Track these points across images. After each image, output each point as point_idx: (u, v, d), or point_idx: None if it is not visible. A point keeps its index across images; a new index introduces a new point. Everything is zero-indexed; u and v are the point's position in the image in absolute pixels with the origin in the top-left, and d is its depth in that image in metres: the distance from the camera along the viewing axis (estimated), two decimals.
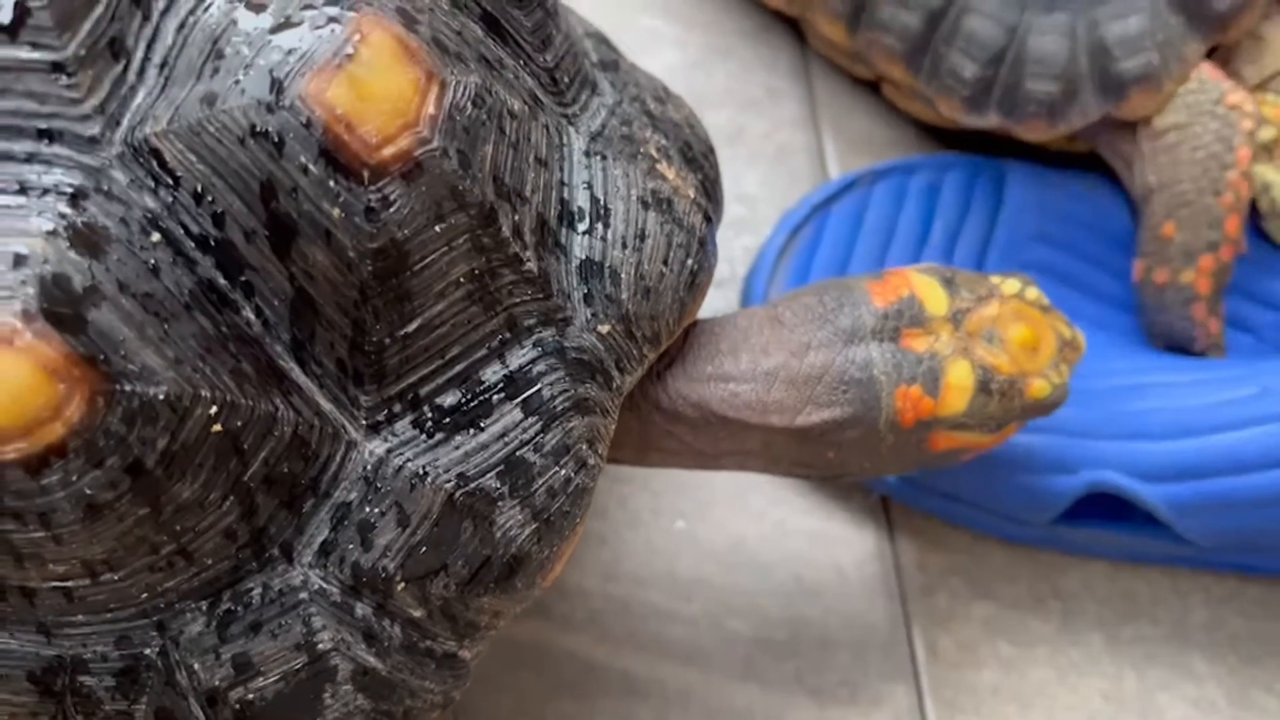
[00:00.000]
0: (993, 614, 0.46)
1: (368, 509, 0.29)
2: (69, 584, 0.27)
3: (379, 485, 0.29)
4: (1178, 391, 0.44)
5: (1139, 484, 0.43)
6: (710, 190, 0.38)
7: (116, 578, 0.27)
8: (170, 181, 0.26)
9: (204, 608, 0.29)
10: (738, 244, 0.54)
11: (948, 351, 0.36)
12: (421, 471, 0.29)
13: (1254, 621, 0.47)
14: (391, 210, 0.26)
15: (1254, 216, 0.49)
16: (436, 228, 0.27)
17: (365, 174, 0.26)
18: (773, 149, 0.57)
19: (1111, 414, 0.44)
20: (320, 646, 0.29)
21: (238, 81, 0.25)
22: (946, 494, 0.46)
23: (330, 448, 0.28)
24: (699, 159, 0.38)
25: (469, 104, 0.28)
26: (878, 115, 0.58)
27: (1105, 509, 0.45)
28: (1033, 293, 0.38)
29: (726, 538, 0.47)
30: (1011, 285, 0.38)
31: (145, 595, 0.28)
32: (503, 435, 0.30)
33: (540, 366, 0.30)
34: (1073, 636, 0.46)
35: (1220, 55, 0.50)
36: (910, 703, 0.45)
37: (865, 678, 0.45)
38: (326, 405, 0.28)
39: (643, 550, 0.46)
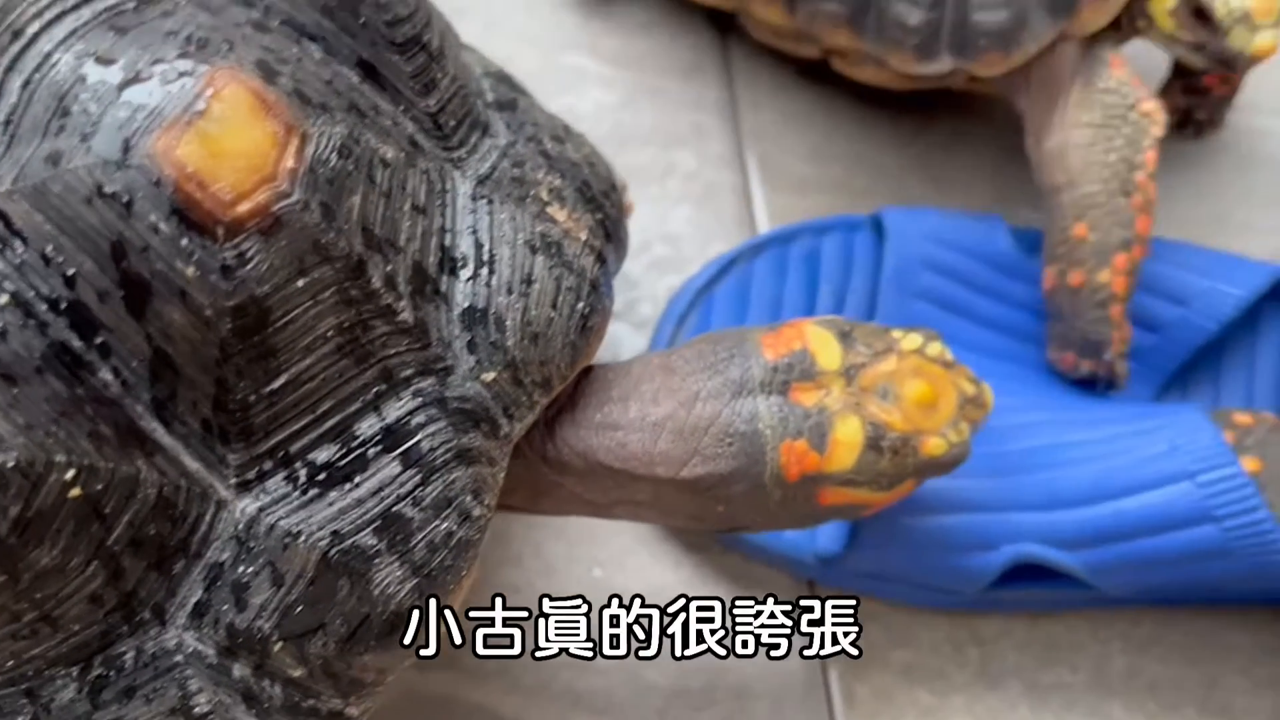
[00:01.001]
0: (911, 661, 0.46)
1: (241, 569, 0.28)
2: None
3: (251, 545, 0.28)
4: (1089, 451, 0.43)
5: (1059, 553, 0.42)
6: (610, 230, 0.37)
7: None
8: (18, 243, 0.25)
9: (74, 674, 0.28)
10: (662, 284, 0.53)
11: (837, 407, 0.35)
12: (294, 530, 0.28)
13: (1172, 668, 0.46)
14: (249, 267, 0.26)
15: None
16: (299, 282, 0.27)
17: (219, 231, 0.25)
18: (699, 188, 0.56)
19: (1026, 484, 0.43)
20: (198, 710, 0.29)
21: (84, 139, 0.25)
22: (871, 574, 0.45)
23: (199, 508, 0.28)
24: (598, 198, 0.37)
25: (333, 155, 0.27)
26: (804, 153, 0.57)
27: (1028, 569, 0.44)
28: (935, 348, 0.37)
29: (644, 585, 0.46)
30: (912, 340, 0.37)
31: (11, 663, 0.27)
32: (379, 490, 0.29)
33: (420, 418, 0.30)
34: (991, 683, 0.46)
35: None
36: None
37: None
38: (193, 465, 0.27)
39: None
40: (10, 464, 0.25)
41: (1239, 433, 0.44)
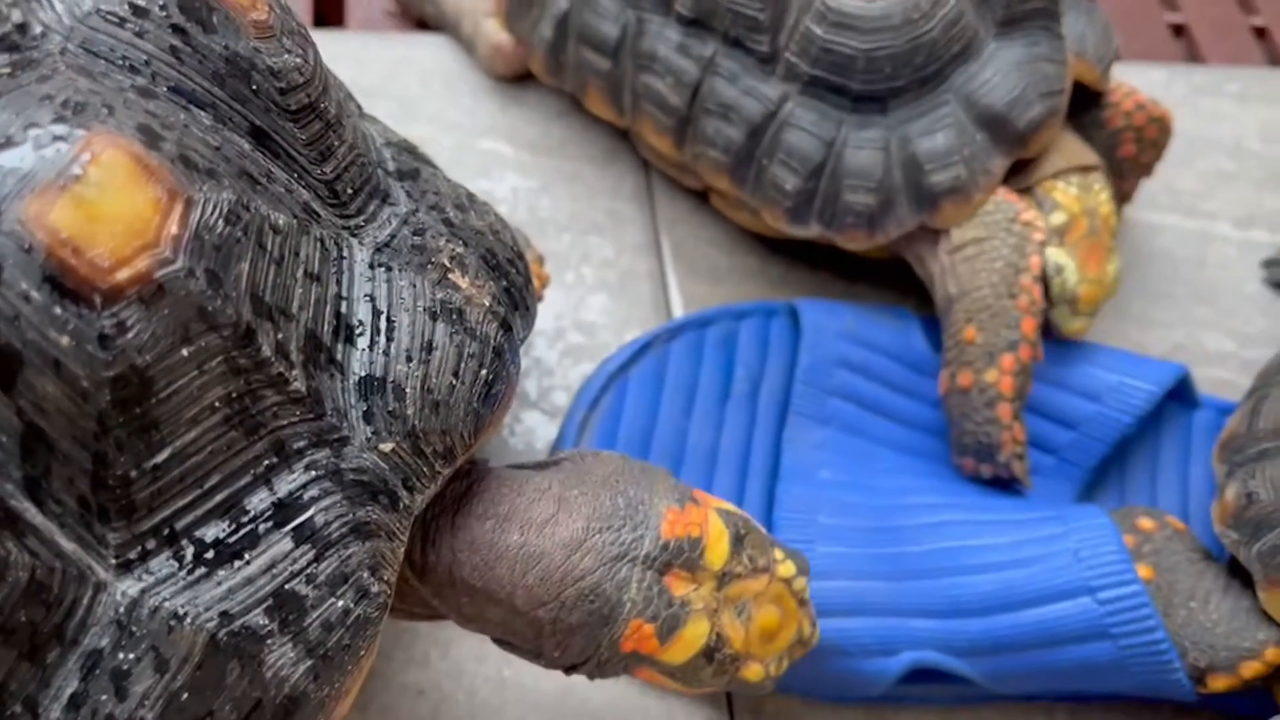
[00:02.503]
0: None
1: (121, 655, 0.27)
2: None
3: (133, 629, 0.27)
4: (993, 557, 0.43)
5: (957, 660, 0.42)
6: (516, 297, 0.37)
7: None
8: None
9: None
10: (576, 371, 0.53)
11: (698, 606, 0.35)
12: (180, 611, 0.27)
13: None
14: (129, 336, 0.25)
15: (1048, 337, 0.50)
16: (184, 351, 0.26)
17: (97, 299, 0.24)
18: (615, 275, 0.56)
19: (929, 589, 0.43)
20: None
21: None
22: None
23: (76, 591, 0.26)
24: (503, 265, 0.37)
25: (220, 221, 0.27)
26: (719, 241, 0.58)
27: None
28: (800, 583, 0.37)
29: (555, 685, 0.45)
30: (787, 568, 0.37)
31: None
32: (270, 567, 0.28)
33: (313, 491, 0.29)
34: None
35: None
36: None
37: None
38: (68, 546, 0.26)
39: (465, 702, 0.44)
40: None
41: (1139, 538, 0.44)
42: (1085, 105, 0.54)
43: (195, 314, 0.26)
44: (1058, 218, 0.50)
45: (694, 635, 0.35)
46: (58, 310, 0.24)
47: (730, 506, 0.38)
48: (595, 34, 0.55)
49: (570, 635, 0.35)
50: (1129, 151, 0.55)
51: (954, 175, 0.49)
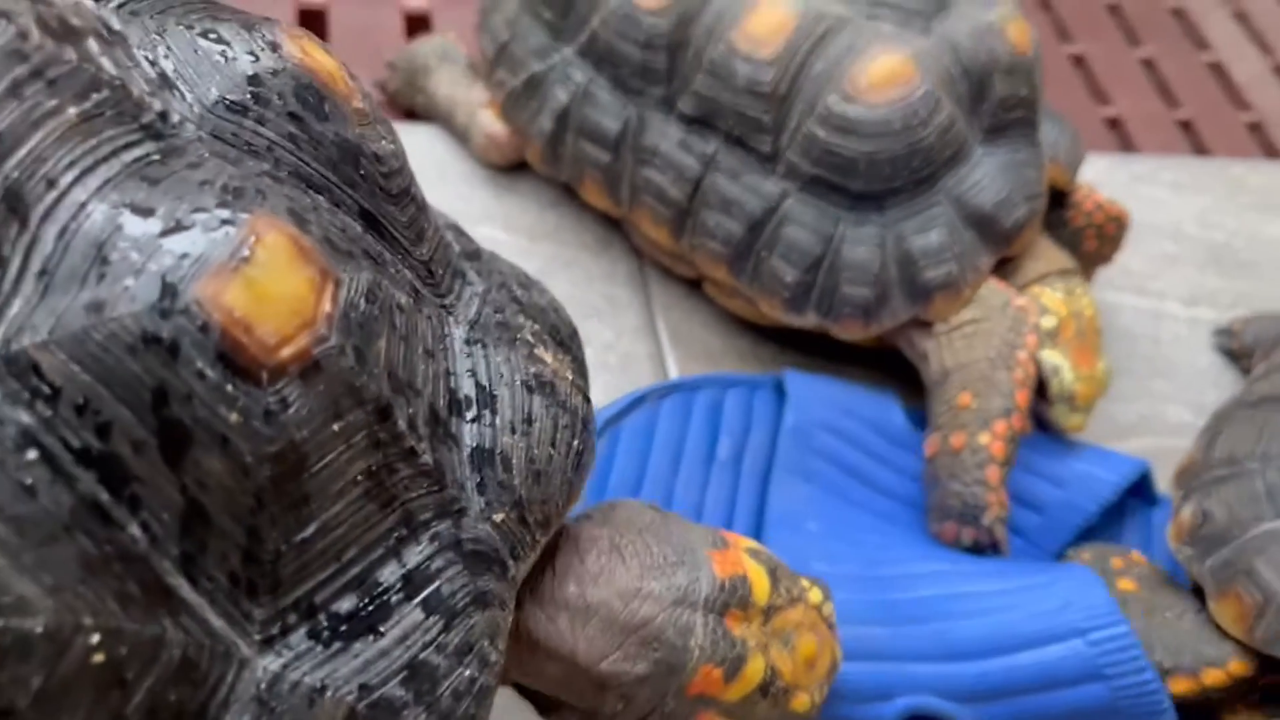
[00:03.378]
0: None
1: None
2: None
3: (274, 705, 0.27)
4: (985, 604, 0.45)
5: (954, 706, 0.44)
6: (582, 371, 0.38)
7: None
8: (49, 393, 0.24)
9: None
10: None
11: (754, 643, 0.36)
12: (320, 685, 0.27)
13: None
14: (290, 411, 0.26)
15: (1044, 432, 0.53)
16: (334, 426, 0.27)
17: (264, 376, 0.25)
18: (615, 358, 0.58)
19: (922, 634, 0.45)
20: None
21: (127, 288, 0.24)
22: None
23: (221, 669, 0.26)
24: (567, 341, 0.38)
25: (362, 300, 0.28)
26: (712, 324, 0.60)
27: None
28: (829, 608, 0.38)
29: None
30: (816, 595, 0.38)
31: None
32: (404, 639, 0.28)
33: (438, 562, 0.29)
34: None
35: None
36: None
37: None
38: (218, 623, 0.26)
39: None
40: (39, 629, 0.23)
41: (1118, 568, 0.47)
42: (1051, 205, 0.59)
43: (345, 390, 0.27)
44: (1048, 321, 0.53)
45: (754, 673, 0.36)
46: (229, 388, 0.25)
47: (753, 543, 0.39)
48: (596, 128, 0.57)
49: (636, 688, 0.35)
50: (1091, 247, 0.60)
51: (946, 271, 0.52)
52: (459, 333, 0.33)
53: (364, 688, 0.27)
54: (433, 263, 0.34)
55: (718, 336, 0.59)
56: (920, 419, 0.55)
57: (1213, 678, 0.44)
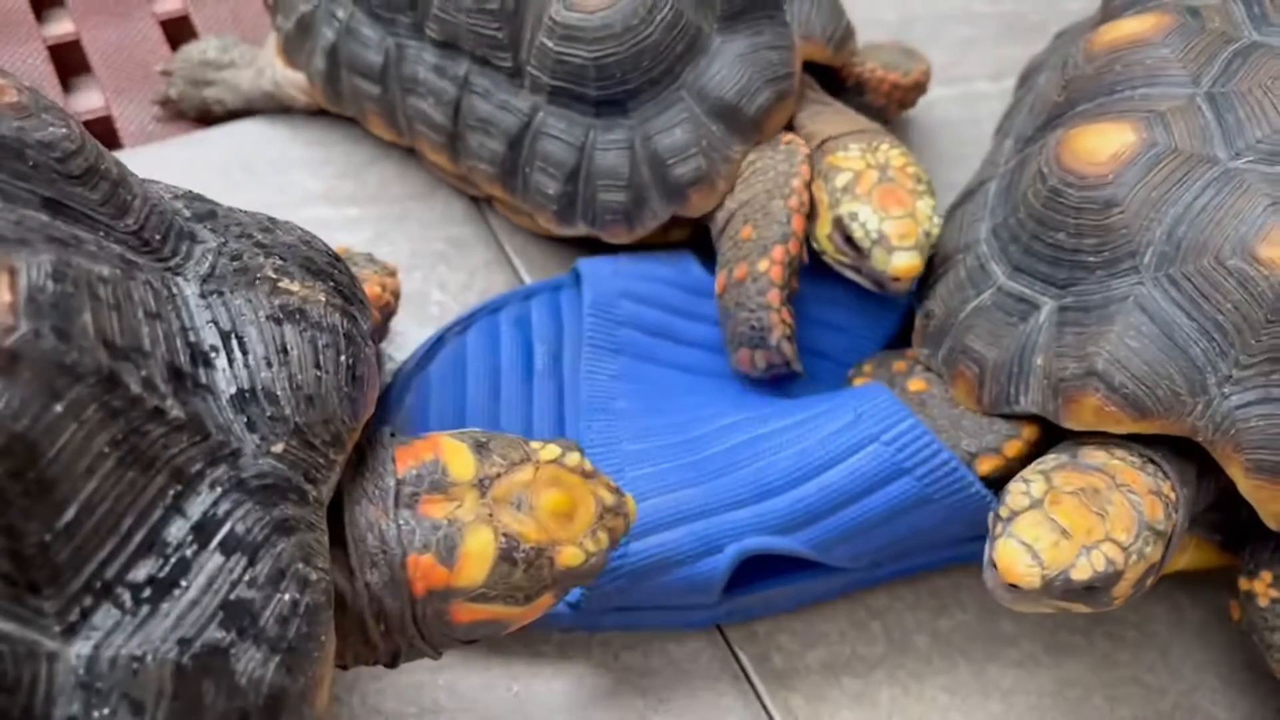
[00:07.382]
0: (827, 657, 0.48)
1: (96, 713, 0.27)
2: None
3: (98, 685, 0.27)
4: (786, 437, 0.46)
5: (779, 539, 0.45)
6: (347, 294, 0.38)
7: None
8: None
9: None
10: None
11: (469, 518, 0.35)
12: (139, 653, 0.28)
13: None
14: (1, 407, 0.26)
15: (815, 264, 0.53)
16: (57, 407, 0.27)
17: None
18: (475, 296, 0.58)
19: (735, 482, 0.46)
20: None
21: None
22: (620, 608, 0.47)
23: (31, 668, 0.27)
24: (324, 269, 0.38)
25: (49, 282, 0.27)
26: (557, 239, 0.59)
27: (766, 566, 0.47)
28: (573, 458, 0.37)
29: (563, 687, 0.47)
30: (550, 451, 0.37)
31: None
32: (210, 584, 0.29)
33: (225, 505, 0.30)
34: (900, 648, 0.49)
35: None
36: None
37: None
38: (8, 627, 0.26)
39: None
40: None
41: (904, 367, 0.49)
42: (838, 80, 0.59)
43: (57, 370, 0.27)
44: (841, 179, 0.52)
45: (479, 545, 0.35)
46: None
47: (468, 430, 0.38)
48: (363, 61, 0.57)
49: (380, 604, 0.35)
50: (894, 114, 0.63)
51: (695, 166, 0.53)
52: (191, 289, 0.33)
53: (183, 641, 0.28)
54: (144, 231, 0.34)
55: (571, 249, 0.59)
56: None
57: (1013, 449, 0.46)
